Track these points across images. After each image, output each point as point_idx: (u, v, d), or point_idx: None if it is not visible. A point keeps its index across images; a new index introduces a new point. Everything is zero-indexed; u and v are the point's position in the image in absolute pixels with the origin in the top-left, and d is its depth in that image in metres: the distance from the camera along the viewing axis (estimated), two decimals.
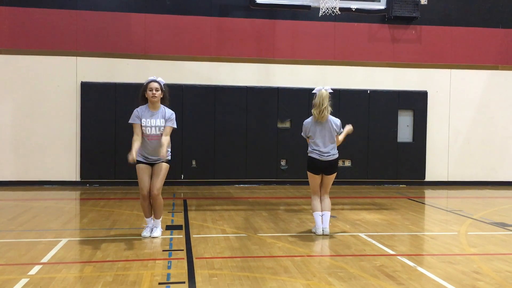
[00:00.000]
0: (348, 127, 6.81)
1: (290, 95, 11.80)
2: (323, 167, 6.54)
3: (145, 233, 6.40)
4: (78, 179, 11.27)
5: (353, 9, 10.63)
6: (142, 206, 6.42)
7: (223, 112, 11.66)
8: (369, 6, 11.02)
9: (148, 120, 6.17)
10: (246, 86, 11.78)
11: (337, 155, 6.63)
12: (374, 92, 12.18)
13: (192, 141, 11.51)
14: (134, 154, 5.97)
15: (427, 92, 12.40)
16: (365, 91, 12.14)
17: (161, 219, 6.51)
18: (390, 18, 12.03)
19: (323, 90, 6.51)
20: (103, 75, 11.31)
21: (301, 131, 6.75)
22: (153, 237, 6.31)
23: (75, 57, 11.24)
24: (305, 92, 11.14)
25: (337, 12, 10.25)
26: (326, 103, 6.45)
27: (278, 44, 11.92)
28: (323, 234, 6.54)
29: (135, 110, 6.24)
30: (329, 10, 10.20)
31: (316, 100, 6.48)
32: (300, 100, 11.51)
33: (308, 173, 6.64)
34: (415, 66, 12.37)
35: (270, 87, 11.87)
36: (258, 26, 11.85)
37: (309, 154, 6.62)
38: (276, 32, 11.91)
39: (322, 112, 6.45)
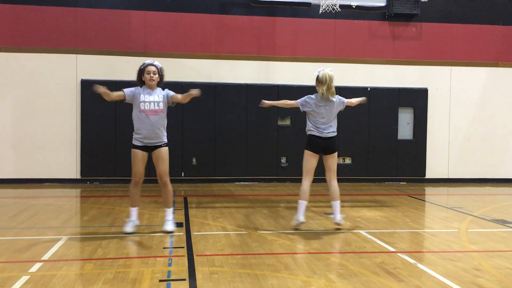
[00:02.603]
0: (362, 99, 7.03)
1: (291, 92, 11.75)
2: (323, 145, 6.53)
3: (128, 228, 6.26)
4: (78, 176, 11.28)
5: (354, 6, 10.62)
6: (131, 194, 6.35)
7: (223, 110, 11.66)
8: (370, 3, 11.01)
9: (147, 96, 6.22)
10: (246, 84, 11.77)
11: (335, 133, 6.66)
12: (374, 89, 12.17)
13: (192, 139, 11.51)
14: (102, 88, 6.13)
15: (427, 90, 12.40)
16: (365, 88, 12.13)
17: (172, 209, 6.49)
18: (391, 15, 12.01)
19: (327, 70, 6.52)
20: (103, 72, 11.30)
21: (299, 99, 6.75)
22: (167, 232, 6.27)
23: (75, 55, 11.24)
24: (306, 89, 11.02)
25: (337, 9, 10.25)
26: (332, 82, 6.48)
27: (278, 41, 11.91)
28: (337, 225, 6.64)
29: (134, 87, 6.32)
30: (329, 7, 10.20)
31: (321, 78, 6.49)
32: (301, 97, 11.44)
33: (306, 152, 6.62)
34: (416, 63, 12.36)
35: (270, 84, 11.86)
36: (258, 23, 11.84)
37: (308, 133, 6.65)
38: (276, 29, 11.90)
39: (331, 88, 6.46)
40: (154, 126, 6.16)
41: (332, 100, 6.59)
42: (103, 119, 11.21)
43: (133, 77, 11.07)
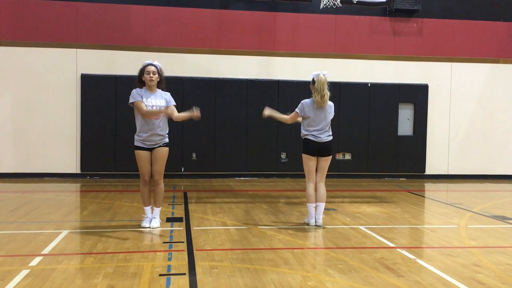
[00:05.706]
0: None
1: (291, 88, 11.77)
2: (319, 149, 6.55)
3: (145, 223, 6.45)
4: (78, 171, 11.28)
5: (355, 2, 10.59)
6: (142, 194, 6.49)
7: (224, 105, 11.65)
8: None
9: (150, 99, 6.23)
10: (246, 79, 11.76)
11: (331, 138, 6.68)
12: (375, 85, 12.16)
13: (193, 134, 11.51)
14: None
15: (427, 85, 12.38)
16: (365, 84, 12.12)
17: (160, 209, 6.55)
18: (392, 10, 11.99)
19: (321, 75, 6.53)
20: (103, 67, 11.29)
21: (297, 107, 6.68)
22: (152, 228, 6.34)
23: (75, 49, 11.21)
24: (306, 85, 10.98)
25: (338, 4, 10.22)
26: (326, 88, 6.50)
27: (278, 36, 11.88)
28: (316, 225, 6.61)
29: (134, 90, 6.27)
30: (330, 3, 10.17)
31: (316, 86, 6.50)
32: (301, 92, 11.44)
33: (304, 156, 6.65)
34: (416, 59, 12.34)
35: (270, 79, 11.85)
36: (259, 19, 11.81)
37: (304, 137, 6.64)
38: (277, 24, 11.88)
39: (324, 97, 6.50)
40: (156, 129, 6.23)
41: (325, 107, 6.58)
42: (103, 114, 11.20)
43: (133, 71, 11.09)
